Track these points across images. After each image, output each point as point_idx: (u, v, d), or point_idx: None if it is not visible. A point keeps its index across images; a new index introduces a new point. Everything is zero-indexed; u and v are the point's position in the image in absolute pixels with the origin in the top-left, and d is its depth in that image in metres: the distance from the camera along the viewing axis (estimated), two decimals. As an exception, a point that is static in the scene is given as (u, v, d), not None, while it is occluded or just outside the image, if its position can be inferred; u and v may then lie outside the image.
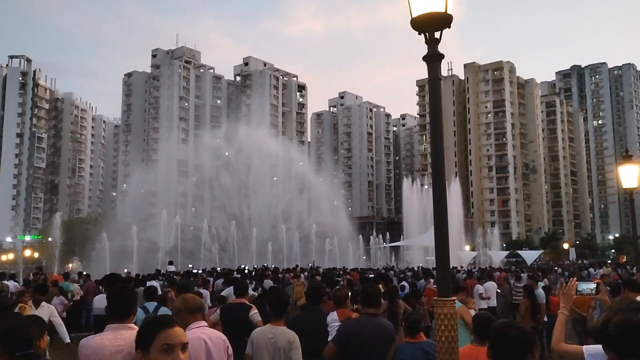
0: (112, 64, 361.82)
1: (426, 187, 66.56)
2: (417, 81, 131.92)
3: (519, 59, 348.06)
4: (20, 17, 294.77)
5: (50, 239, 67.52)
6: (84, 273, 24.00)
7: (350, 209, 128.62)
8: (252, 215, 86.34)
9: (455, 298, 4.09)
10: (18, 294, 9.89)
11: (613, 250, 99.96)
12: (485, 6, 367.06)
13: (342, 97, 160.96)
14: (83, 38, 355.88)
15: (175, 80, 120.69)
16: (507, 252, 69.07)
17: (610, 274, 24.39)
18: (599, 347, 3.60)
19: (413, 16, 4.05)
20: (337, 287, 9.85)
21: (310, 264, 44.91)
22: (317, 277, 20.73)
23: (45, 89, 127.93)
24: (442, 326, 3.84)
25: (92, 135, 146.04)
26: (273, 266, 36.58)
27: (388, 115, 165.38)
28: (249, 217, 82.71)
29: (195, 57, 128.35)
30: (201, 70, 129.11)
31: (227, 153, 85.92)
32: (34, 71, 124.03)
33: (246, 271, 26.62)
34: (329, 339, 5.96)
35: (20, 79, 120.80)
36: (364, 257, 67.50)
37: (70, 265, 54.54)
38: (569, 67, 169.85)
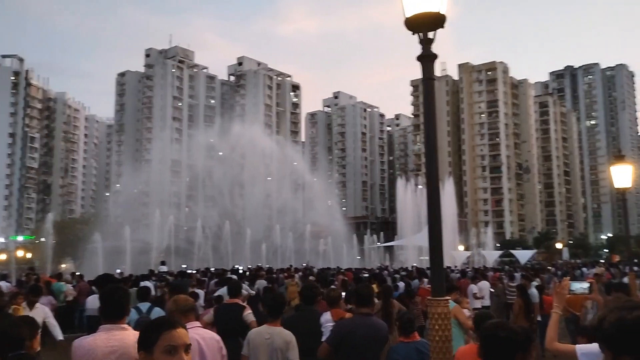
0: (106, 64, 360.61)
1: (420, 187, 66.61)
2: (411, 81, 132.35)
3: (512, 59, 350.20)
4: (12, 16, 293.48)
5: (42, 239, 67.16)
6: (77, 273, 23.91)
7: (344, 209, 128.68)
8: (246, 215, 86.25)
9: (449, 298, 4.09)
10: (11, 295, 9.82)
11: (606, 250, 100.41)
12: (478, 7, 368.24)
13: (336, 97, 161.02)
14: (76, 37, 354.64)
15: (169, 80, 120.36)
16: (501, 252, 69.30)
17: (603, 274, 24.49)
18: (591, 347, 3.62)
19: (407, 16, 4.05)
20: (332, 287, 9.85)
21: (304, 264, 44.88)
22: (311, 277, 20.72)
23: (38, 89, 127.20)
24: (435, 326, 3.85)
25: (85, 135, 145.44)
26: (267, 266, 36.51)
27: (382, 116, 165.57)
28: (242, 217, 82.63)
29: (188, 56, 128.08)
30: (195, 70, 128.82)
31: (220, 153, 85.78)
32: (27, 71, 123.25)
33: (240, 271, 26.57)
34: (322, 339, 5.96)
35: (12, 78, 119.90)
36: (358, 257, 67.54)
37: (63, 265, 54.34)
38: (562, 68, 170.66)
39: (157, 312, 7.56)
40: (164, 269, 29.15)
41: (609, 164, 16.51)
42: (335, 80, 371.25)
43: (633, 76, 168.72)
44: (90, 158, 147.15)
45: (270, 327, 5.50)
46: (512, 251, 69.40)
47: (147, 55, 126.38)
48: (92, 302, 13.14)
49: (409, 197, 66.75)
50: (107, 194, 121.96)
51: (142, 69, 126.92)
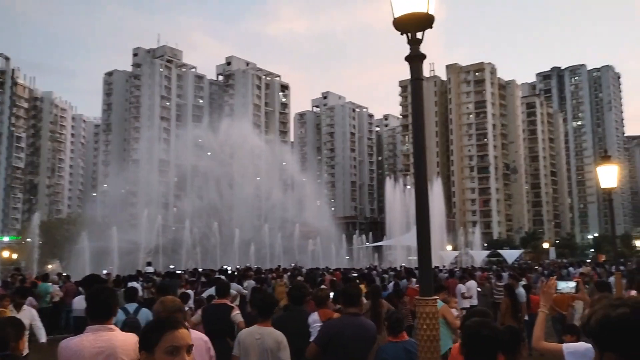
0: (93, 63, 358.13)
1: (409, 187, 66.84)
2: (400, 82, 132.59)
3: (500, 60, 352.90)
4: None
5: (29, 239, 66.46)
6: (64, 274, 23.72)
7: (333, 209, 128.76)
8: (234, 215, 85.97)
9: (437, 297, 4.11)
10: (-2, 296, 9.69)
11: (592, 250, 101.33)
12: (466, 8, 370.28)
13: (325, 98, 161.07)
14: (63, 36, 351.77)
15: (157, 80, 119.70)
16: (489, 252, 69.64)
17: (589, 273, 24.72)
18: (577, 345, 3.66)
19: (395, 16, 4.06)
20: (322, 287, 9.84)
21: (292, 264, 44.82)
22: (300, 277, 20.71)
23: (24, 88, 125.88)
24: (424, 325, 3.86)
25: (72, 134, 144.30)
26: (256, 267, 36.41)
27: (371, 116, 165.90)
28: (231, 217, 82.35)
29: (177, 56, 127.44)
30: (183, 70, 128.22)
31: (209, 153, 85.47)
32: (13, 70, 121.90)
33: (229, 272, 26.48)
34: (310, 340, 5.95)
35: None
36: (347, 257, 67.60)
37: (49, 266, 53.79)
38: (549, 69, 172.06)
39: (145, 312, 7.51)
40: (150, 269, 28.99)
41: (595, 165, 16.63)
42: (324, 80, 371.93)
43: (619, 77, 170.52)
44: (77, 158, 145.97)
45: (261, 327, 5.47)
46: (500, 251, 69.81)
47: (135, 55, 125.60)
48: (79, 302, 13.05)
49: (398, 197, 66.88)
50: (94, 194, 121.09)
51: (129, 69, 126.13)
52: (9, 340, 3.54)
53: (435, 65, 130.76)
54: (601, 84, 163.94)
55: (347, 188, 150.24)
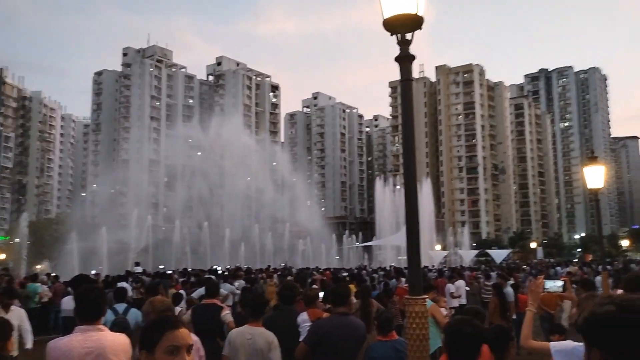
0: (82, 63, 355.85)
1: (398, 187, 67.01)
2: (389, 82, 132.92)
3: (488, 62, 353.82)
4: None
5: (17, 239, 65.96)
6: (53, 274, 23.57)
7: (323, 209, 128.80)
8: (224, 215, 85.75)
9: (426, 297, 4.14)
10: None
11: (579, 249, 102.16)
12: (455, 9, 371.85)
13: (315, 98, 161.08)
14: (52, 36, 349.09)
15: (147, 80, 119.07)
16: (477, 252, 70.02)
17: (576, 273, 24.92)
18: (565, 344, 3.70)
19: (385, 17, 4.08)
20: (313, 286, 9.85)
21: (282, 264, 44.81)
22: (290, 277, 20.70)
23: (13, 87, 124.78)
24: (413, 324, 3.88)
25: (61, 134, 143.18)
26: (246, 266, 36.34)
27: (361, 116, 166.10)
28: (221, 217, 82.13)
29: (167, 56, 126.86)
30: (173, 70, 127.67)
31: (199, 153, 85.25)
32: (1, 69, 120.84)
33: (219, 272, 26.41)
34: (300, 339, 5.95)
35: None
36: (337, 257, 67.71)
37: (38, 266, 53.45)
38: (537, 71, 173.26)
39: (134, 313, 7.49)
40: (139, 269, 28.86)
41: (582, 165, 16.80)
42: (314, 81, 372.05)
43: (606, 79, 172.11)
44: (66, 158, 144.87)
45: (251, 327, 5.44)
46: (488, 251, 70.20)
47: (125, 54, 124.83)
48: (68, 303, 12.97)
49: (388, 198, 67.06)
50: (84, 194, 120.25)
51: (119, 68, 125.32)
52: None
53: (424, 67, 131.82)
54: (588, 86, 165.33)
55: (337, 188, 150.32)
